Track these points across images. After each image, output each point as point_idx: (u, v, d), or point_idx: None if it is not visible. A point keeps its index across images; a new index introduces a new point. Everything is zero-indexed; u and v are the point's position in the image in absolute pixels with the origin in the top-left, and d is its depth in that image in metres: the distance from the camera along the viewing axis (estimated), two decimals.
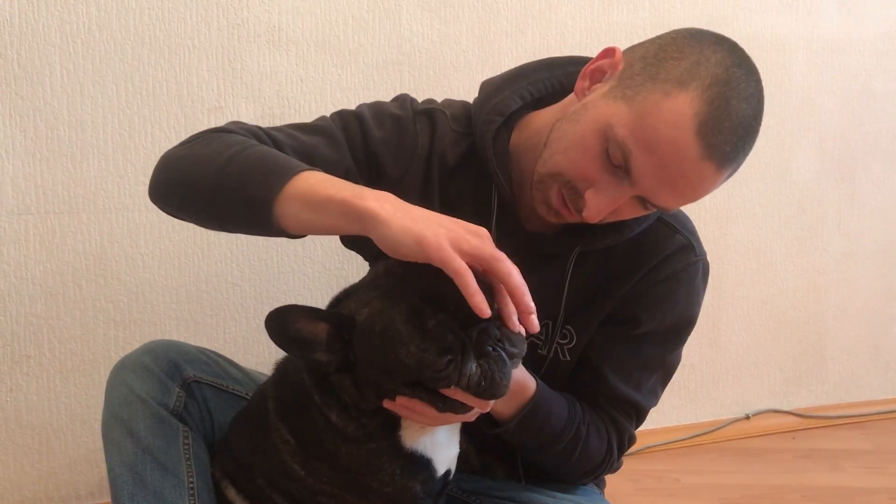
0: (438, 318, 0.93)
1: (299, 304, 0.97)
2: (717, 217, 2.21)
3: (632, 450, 2.12)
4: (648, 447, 2.19)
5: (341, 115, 1.21)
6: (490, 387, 0.94)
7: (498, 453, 1.35)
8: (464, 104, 1.26)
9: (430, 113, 1.23)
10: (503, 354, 0.95)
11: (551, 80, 1.22)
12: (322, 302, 1.08)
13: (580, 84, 1.12)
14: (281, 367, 1.18)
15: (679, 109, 0.99)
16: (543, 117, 1.18)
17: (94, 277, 1.68)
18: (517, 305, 0.92)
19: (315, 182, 0.97)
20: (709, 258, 2.19)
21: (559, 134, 1.09)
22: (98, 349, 1.70)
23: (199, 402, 1.21)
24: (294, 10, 1.73)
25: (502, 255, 0.92)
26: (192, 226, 1.71)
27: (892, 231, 2.42)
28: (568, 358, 1.25)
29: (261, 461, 1.15)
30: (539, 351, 1.25)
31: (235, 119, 1.64)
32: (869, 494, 1.96)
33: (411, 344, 0.92)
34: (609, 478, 1.56)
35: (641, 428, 2.14)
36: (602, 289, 1.22)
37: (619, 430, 1.28)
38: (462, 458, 1.23)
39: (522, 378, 1.16)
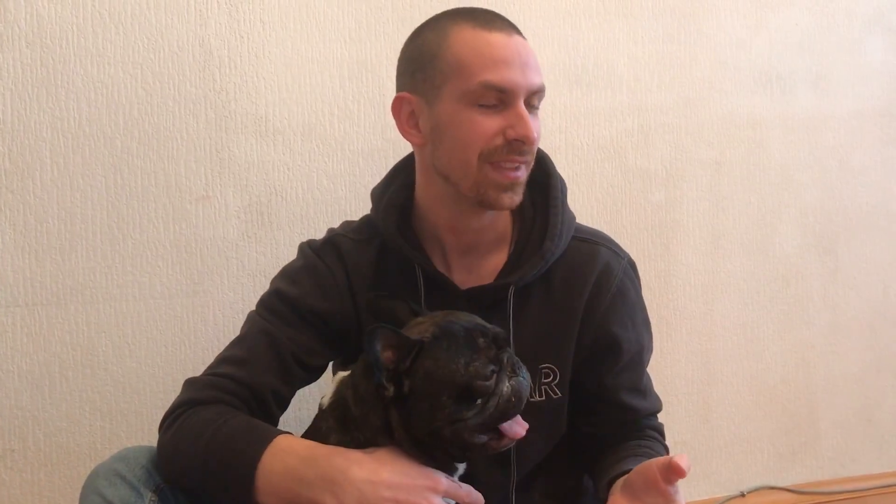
0: (485, 339, 1.13)
1: (390, 321, 1.16)
2: (703, 293, 2.22)
3: None
4: None
5: (263, 304, 1.35)
6: (518, 403, 1.13)
7: None
8: (361, 218, 1.43)
9: (329, 242, 1.37)
10: (526, 378, 1.15)
11: None
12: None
13: (411, 137, 1.31)
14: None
15: (463, 37, 1.23)
16: (421, 185, 1.34)
17: (80, 368, 1.68)
18: None
19: (276, 481, 1.12)
20: (696, 334, 2.22)
21: (446, 159, 1.26)
22: (84, 441, 1.68)
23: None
24: (281, 102, 1.78)
25: (461, 494, 1.13)
26: (179, 315, 1.74)
27: (878, 303, 2.43)
28: (559, 394, 1.33)
29: None
30: (531, 400, 1.27)
31: (224, 208, 1.69)
32: None
33: (468, 355, 1.10)
34: None
35: None
36: (557, 319, 1.33)
37: (661, 430, 1.41)
38: None
39: None
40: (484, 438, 1.13)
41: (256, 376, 1.26)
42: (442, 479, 1.13)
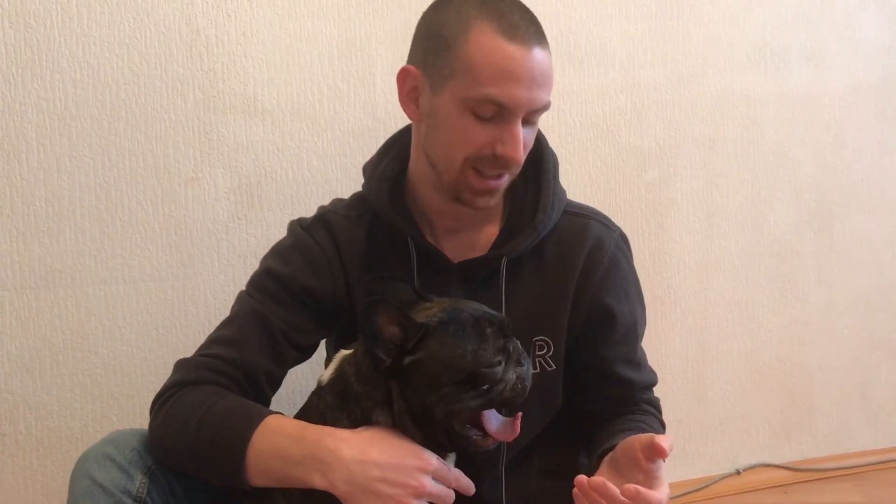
0: (492, 329, 1.13)
1: (395, 293, 1.16)
2: (697, 271, 2.22)
3: None
4: None
5: (253, 284, 1.34)
6: (523, 391, 1.14)
7: None
8: (353, 194, 1.41)
9: (320, 219, 1.36)
10: (529, 367, 1.17)
11: None
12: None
13: (409, 112, 1.28)
14: None
15: (480, 40, 1.17)
16: (414, 161, 1.33)
17: (71, 351, 1.67)
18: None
19: (268, 456, 1.13)
20: (690, 312, 2.22)
21: (435, 149, 1.25)
22: (75, 425, 1.67)
23: (163, 487, 1.20)
24: (269, 82, 1.76)
25: (450, 478, 1.14)
26: (170, 298, 1.73)
27: (873, 280, 2.43)
28: (553, 366, 1.33)
29: None
30: None
31: (213, 189, 1.67)
32: None
33: (475, 343, 1.11)
34: None
35: None
36: (549, 292, 1.32)
37: (657, 405, 1.41)
38: None
39: None
40: (473, 433, 1.14)
41: (248, 357, 1.25)
42: (432, 460, 1.13)
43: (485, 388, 1.11)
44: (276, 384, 1.31)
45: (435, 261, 1.31)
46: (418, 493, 1.10)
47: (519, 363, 1.15)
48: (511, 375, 1.13)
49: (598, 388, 1.37)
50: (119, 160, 1.67)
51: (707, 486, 2.24)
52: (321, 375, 1.23)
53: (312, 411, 1.21)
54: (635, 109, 2.11)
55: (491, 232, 1.35)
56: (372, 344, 1.11)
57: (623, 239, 1.40)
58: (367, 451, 1.10)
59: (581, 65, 2.04)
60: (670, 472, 2.22)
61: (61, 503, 1.66)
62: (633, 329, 1.39)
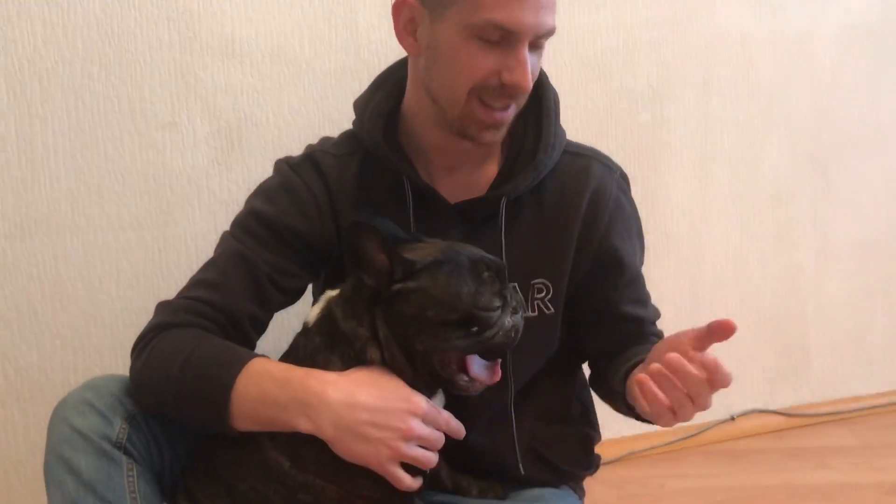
0: (489, 273, 1.11)
1: (381, 228, 1.09)
2: (691, 217, 2.18)
3: (615, 456, 2.10)
4: (632, 453, 2.14)
5: (238, 224, 1.28)
6: (513, 340, 1.13)
7: (472, 472, 1.33)
8: (342, 132, 1.34)
9: (308, 158, 1.30)
10: (522, 318, 1.15)
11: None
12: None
13: (407, 44, 1.22)
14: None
15: None
16: (411, 96, 1.27)
17: (49, 302, 1.63)
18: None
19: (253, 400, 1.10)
20: (683, 258, 2.19)
21: (437, 82, 1.19)
22: (57, 377, 1.64)
23: (144, 433, 1.16)
24: (247, 21, 1.70)
25: (440, 421, 1.12)
26: (150, 246, 1.69)
27: (870, 224, 2.39)
28: (552, 309, 1.29)
29: (237, 472, 1.15)
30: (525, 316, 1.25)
31: (192, 134, 1.63)
32: (857, 490, 1.92)
33: (471, 285, 1.09)
34: (591, 486, 1.52)
35: (623, 434, 2.12)
36: (550, 234, 1.28)
37: (663, 338, 1.33)
38: (433, 478, 1.23)
39: None
40: (460, 378, 1.13)
41: (232, 300, 1.21)
42: (421, 403, 1.10)
43: (474, 330, 1.09)
44: (261, 328, 1.27)
45: (431, 202, 1.26)
46: (407, 436, 1.07)
47: (515, 311, 1.13)
48: (506, 322, 1.11)
49: (608, 328, 1.34)
50: (93, 104, 1.62)
51: (700, 432, 2.22)
52: (307, 317, 1.20)
53: (299, 353, 1.17)
54: (628, 50, 2.06)
55: (489, 172, 1.30)
56: (356, 266, 1.08)
57: (624, 179, 1.36)
58: (354, 393, 1.07)
59: (571, 4, 1.98)
60: None
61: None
62: (639, 268, 1.37)
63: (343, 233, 1.06)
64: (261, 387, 1.09)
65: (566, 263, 1.29)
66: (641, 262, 1.40)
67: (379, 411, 1.07)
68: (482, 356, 1.15)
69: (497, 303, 1.11)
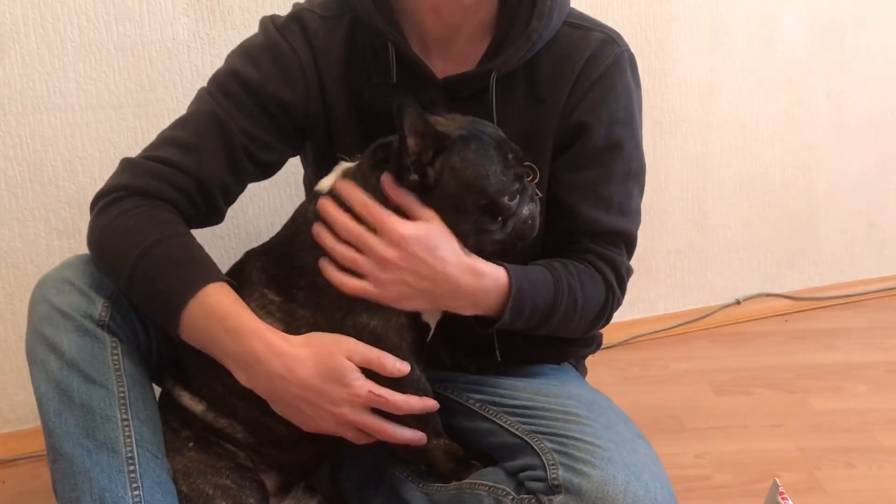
0: (513, 156, 1.08)
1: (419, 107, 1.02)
2: (700, 93, 2.08)
3: (618, 340, 2.07)
4: (636, 337, 2.11)
5: (217, 83, 1.20)
6: (532, 226, 1.11)
7: (470, 348, 1.30)
8: None
9: (295, 18, 1.21)
10: (538, 206, 1.12)
11: None
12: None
13: None
14: (271, 244, 1.16)
15: None
16: None
17: (29, 185, 1.57)
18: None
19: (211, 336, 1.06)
20: (691, 137, 2.10)
21: None
22: (41, 262, 1.60)
23: (127, 312, 1.12)
24: None
25: (391, 405, 1.07)
26: (132, 125, 1.62)
27: (886, 101, 2.29)
28: (540, 194, 1.19)
29: None
30: None
31: (171, 1, 1.52)
32: (865, 369, 1.89)
33: (498, 165, 1.06)
34: (594, 367, 1.49)
35: (626, 318, 2.09)
36: (540, 113, 1.19)
37: (614, 265, 1.22)
38: (431, 356, 1.20)
39: (493, 270, 1.10)
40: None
41: (203, 166, 1.14)
42: (362, 391, 1.05)
43: (499, 219, 1.07)
44: (231, 198, 1.21)
45: (417, 74, 1.18)
46: (338, 422, 1.07)
47: (532, 199, 1.10)
48: (525, 210, 1.09)
49: (550, 220, 1.21)
50: None
51: (706, 315, 2.19)
52: (318, 185, 1.13)
53: (307, 217, 1.11)
54: None
55: (482, 48, 1.20)
56: (406, 156, 1.03)
57: (628, 59, 1.22)
58: (294, 369, 1.04)
59: None
60: (668, 304, 2.17)
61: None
62: (610, 157, 1.20)
63: (394, 117, 0.99)
64: (209, 323, 1.05)
65: (549, 142, 1.20)
66: (628, 161, 1.22)
67: (313, 391, 1.04)
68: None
69: (517, 186, 1.07)
